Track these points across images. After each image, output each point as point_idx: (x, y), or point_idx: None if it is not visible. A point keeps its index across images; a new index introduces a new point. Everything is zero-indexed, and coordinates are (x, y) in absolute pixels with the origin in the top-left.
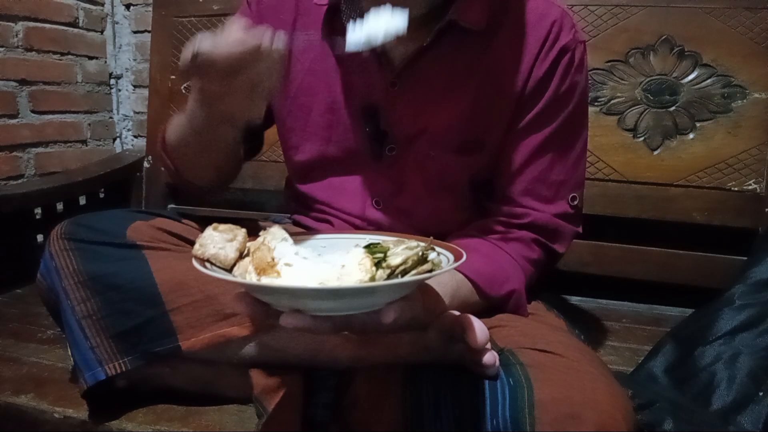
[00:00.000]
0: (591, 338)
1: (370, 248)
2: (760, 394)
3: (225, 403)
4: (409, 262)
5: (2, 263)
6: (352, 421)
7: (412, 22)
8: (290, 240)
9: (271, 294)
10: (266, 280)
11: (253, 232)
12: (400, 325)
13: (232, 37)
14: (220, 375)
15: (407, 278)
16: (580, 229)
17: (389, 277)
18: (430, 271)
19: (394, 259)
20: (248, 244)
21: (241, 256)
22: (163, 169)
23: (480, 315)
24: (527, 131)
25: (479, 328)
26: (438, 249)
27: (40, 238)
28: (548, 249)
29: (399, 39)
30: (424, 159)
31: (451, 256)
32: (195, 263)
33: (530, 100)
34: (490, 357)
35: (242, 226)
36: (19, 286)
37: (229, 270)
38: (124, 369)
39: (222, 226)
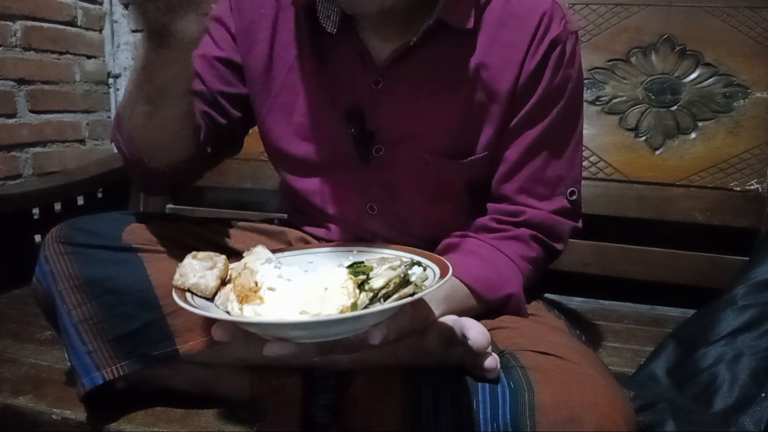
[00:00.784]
0: (592, 339)
1: (353, 268)
2: (762, 395)
3: (224, 405)
4: (391, 285)
5: (0, 264)
6: (351, 422)
7: (397, 21)
8: (274, 260)
9: (252, 327)
10: (248, 309)
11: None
12: (388, 342)
13: None
14: (220, 376)
15: (387, 305)
16: (579, 224)
17: (372, 300)
18: (413, 293)
19: (377, 281)
20: (232, 266)
21: (223, 282)
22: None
23: (480, 317)
24: (521, 128)
25: (480, 331)
26: (424, 262)
27: (38, 238)
28: (547, 246)
29: (384, 37)
30: (418, 163)
31: (437, 269)
32: (175, 295)
33: (522, 97)
34: (492, 360)
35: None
36: (17, 286)
37: (211, 298)
38: (121, 373)
39: (201, 254)
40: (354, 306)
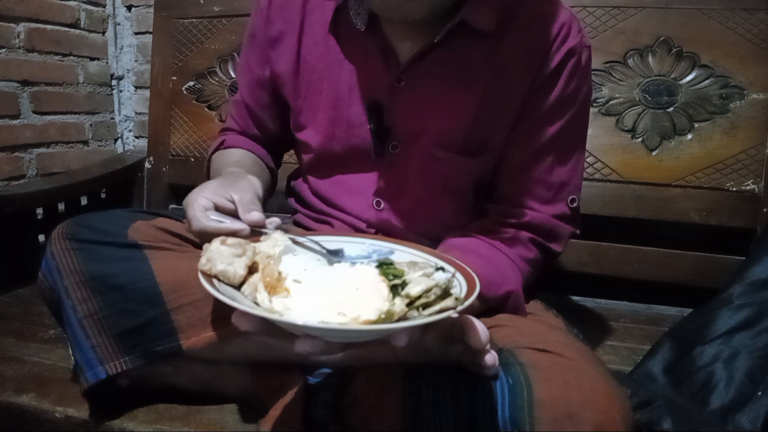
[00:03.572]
0: (589, 337)
1: (383, 269)
2: (759, 393)
3: (226, 403)
4: (432, 296)
5: (4, 263)
6: (351, 420)
7: (421, 21)
8: (293, 249)
9: (289, 325)
10: (278, 302)
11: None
12: (409, 345)
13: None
14: (221, 374)
15: (431, 317)
16: (578, 231)
17: (408, 306)
18: (455, 307)
19: (413, 288)
20: (257, 258)
21: (250, 271)
22: None
23: (479, 315)
24: (530, 131)
25: (479, 328)
26: (447, 267)
27: (41, 238)
28: (545, 248)
29: (407, 36)
30: (428, 160)
31: (462, 280)
32: (202, 280)
33: (535, 100)
34: (491, 358)
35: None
36: (20, 285)
37: (238, 287)
38: (125, 368)
39: (230, 240)
40: (390, 313)
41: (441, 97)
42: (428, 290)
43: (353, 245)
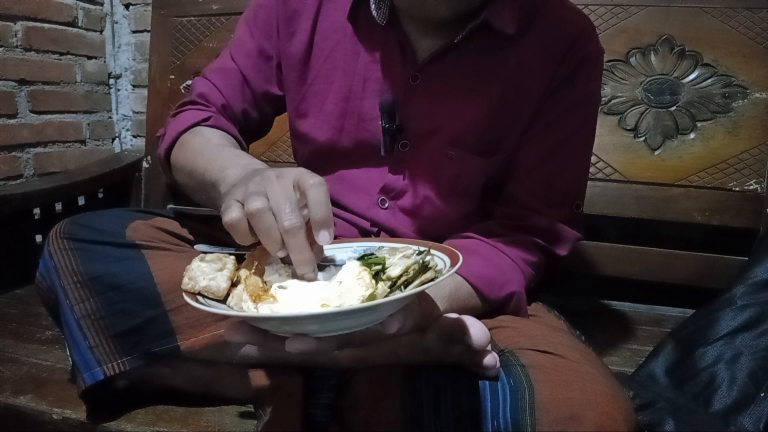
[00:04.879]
0: (591, 339)
1: (364, 260)
2: (761, 394)
3: (225, 404)
4: (411, 272)
5: (1, 264)
6: (351, 421)
7: (442, 20)
8: (277, 260)
9: (274, 323)
10: (264, 308)
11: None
12: (404, 333)
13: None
14: (220, 375)
15: (412, 290)
16: (581, 235)
17: (391, 288)
18: (433, 279)
19: (393, 270)
20: (239, 271)
21: (233, 283)
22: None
23: (480, 317)
24: (541, 134)
25: (480, 329)
26: (433, 252)
27: (38, 238)
28: (549, 252)
29: (427, 33)
30: (439, 158)
31: (447, 259)
32: (187, 298)
33: (548, 103)
34: (491, 358)
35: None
36: (18, 286)
37: (224, 300)
38: (123, 369)
39: (209, 256)
40: (373, 296)
41: (456, 97)
42: (407, 269)
43: (342, 251)
